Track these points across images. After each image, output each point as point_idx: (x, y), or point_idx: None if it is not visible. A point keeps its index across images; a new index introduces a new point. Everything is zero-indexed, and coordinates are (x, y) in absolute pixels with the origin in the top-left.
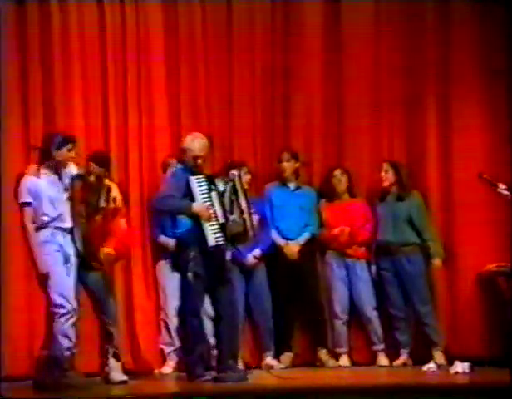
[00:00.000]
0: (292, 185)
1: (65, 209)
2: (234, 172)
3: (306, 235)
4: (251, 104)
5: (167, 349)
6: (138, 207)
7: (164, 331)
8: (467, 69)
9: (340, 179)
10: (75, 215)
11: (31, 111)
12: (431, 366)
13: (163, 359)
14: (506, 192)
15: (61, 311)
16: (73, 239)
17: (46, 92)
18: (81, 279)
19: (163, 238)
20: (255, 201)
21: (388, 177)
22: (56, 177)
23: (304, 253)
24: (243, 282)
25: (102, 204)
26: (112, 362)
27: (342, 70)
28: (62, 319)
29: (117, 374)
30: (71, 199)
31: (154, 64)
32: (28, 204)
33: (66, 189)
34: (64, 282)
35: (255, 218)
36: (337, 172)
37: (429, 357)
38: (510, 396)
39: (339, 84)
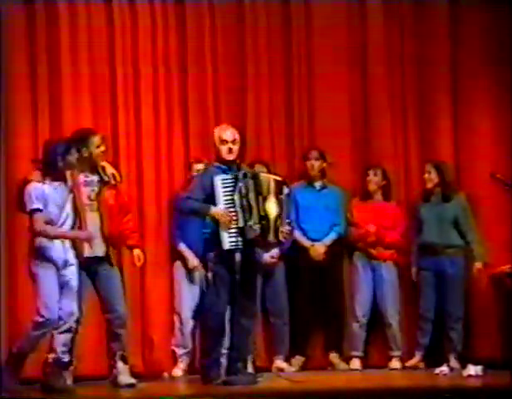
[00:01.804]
0: (318, 185)
1: (69, 213)
2: (265, 174)
3: (332, 236)
4: (272, 103)
5: (179, 351)
6: (153, 207)
7: (177, 332)
8: (476, 67)
9: (371, 179)
10: (79, 206)
11: (39, 112)
12: (444, 369)
13: (173, 361)
14: None
15: (37, 319)
16: (73, 243)
17: (55, 92)
18: (90, 277)
19: (181, 247)
20: None
21: (431, 178)
22: (62, 183)
23: (329, 255)
24: (260, 282)
25: (106, 179)
26: (120, 364)
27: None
28: (35, 326)
29: (125, 377)
30: (73, 195)
31: (163, 63)
32: (39, 210)
33: (70, 191)
34: (50, 291)
35: (287, 228)
36: (370, 171)
37: (441, 361)
38: None
39: (364, 82)
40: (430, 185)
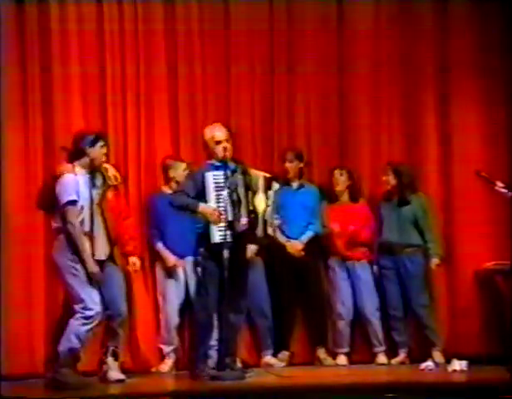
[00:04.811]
0: (294, 184)
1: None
2: (255, 170)
3: (309, 234)
4: (250, 103)
5: (166, 348)
6: (137, 205)
7: (163, 330)
8: (465, 68)
9: (338, 180)
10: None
11: (30, 111)
12: (429, 364)
13: (161, 358)
14: (505, 190)
15: (87, 313)
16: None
17: (46, 92)
18: None
19: (159, 246)
20: None
21: (389, 180)
22: (89, 177)
23: (307, 252)
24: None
25: (109, 181)
26: (110, 360)
27: (343, 68)
28: (83, 321)
29: (115, 373)
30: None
31: (152, 63)
32: (74, 202)
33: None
34: (87, 284)
35: (276, 221)
36: (336, 172)
37: (427, 356)
38: (507, 394)
39: (340, 82)
40: (388, 187)
